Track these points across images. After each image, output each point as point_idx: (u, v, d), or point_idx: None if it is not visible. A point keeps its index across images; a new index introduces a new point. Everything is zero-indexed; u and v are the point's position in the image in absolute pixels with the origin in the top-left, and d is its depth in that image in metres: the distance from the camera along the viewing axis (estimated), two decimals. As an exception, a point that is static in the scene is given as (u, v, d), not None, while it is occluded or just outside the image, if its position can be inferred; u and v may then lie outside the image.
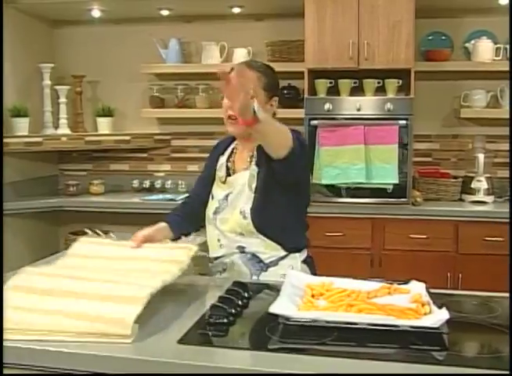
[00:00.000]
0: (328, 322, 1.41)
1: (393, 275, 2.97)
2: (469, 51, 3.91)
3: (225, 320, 1.46)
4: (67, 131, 4.18)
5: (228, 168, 2.15)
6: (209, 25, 4.22)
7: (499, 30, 3.88)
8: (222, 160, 2.19)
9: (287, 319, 1.44)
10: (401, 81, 3.69)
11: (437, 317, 1.42)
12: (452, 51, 3.95)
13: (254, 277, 2.05)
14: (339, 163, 3.52)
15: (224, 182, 2.14)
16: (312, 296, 1.64)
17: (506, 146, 3.97)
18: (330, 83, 3.75)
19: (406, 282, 1.77)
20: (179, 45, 4.17)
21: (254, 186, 2.04)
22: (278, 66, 3.84)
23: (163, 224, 2.11)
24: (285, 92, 3.88)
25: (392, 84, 3.66)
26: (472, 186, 3.77)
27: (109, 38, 4.37)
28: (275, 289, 1.85)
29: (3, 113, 3.85)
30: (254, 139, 1.98)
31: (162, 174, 4.46)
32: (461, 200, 3.82)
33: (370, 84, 3.70)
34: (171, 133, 4.43)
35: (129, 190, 4.37)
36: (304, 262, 2.13)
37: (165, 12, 4.05)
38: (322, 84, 3.73)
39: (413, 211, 3.58)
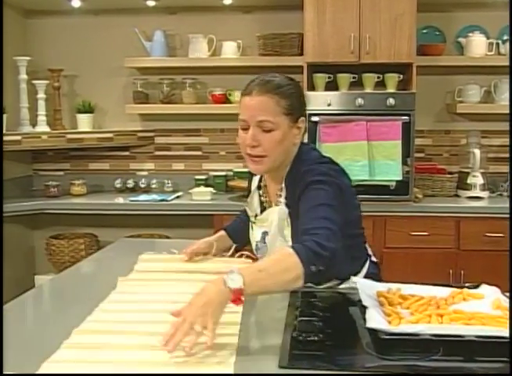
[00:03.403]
0: (434, 335, 1.30)
1: (395, 273, 2.92)
2: (461, 46, 3.88)
3: (316, 338, 1.33)
4: (46, 128, 3.91)
5: (261, 203, 1.93)
6: (195, 17, 4.03)
7: (492, 25, 3.88)
8: (256, 195, 1.97)
9: (387, 333, 1.31)
10: (402, 76, 3.61)
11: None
12: (445, 46, 3.91)
13: None
14: (341, 160, 3.34)
15: (255, 220, 1.93)
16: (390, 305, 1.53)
17: (498, 141, 3.97)
18: (329, 78, 3.64)
19: (476, 286, 1.69)
20: (164, 38, 3.96)
21: (285, 232, 1.79)
22: (270, 61, 3.83)
23: (222, 233, 1.99)
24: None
25: (392, 78, 3.58)
26: (468, 181, 3.76)
27: (89, 30, 4.11)
28: (338, 297, 1.77)
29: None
30: (280, 172, 1.78)
31: (145, 173, 4.24)
32: (457, 195, 3.79)
33: (370, 78, 3.60)
34: (154, 130, 4.22)
35: (111, 191, 4.13)
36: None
37: (151, 3, 3.83)
38: (321, 79, 3.61)
39: (415, 208, 3.52)
